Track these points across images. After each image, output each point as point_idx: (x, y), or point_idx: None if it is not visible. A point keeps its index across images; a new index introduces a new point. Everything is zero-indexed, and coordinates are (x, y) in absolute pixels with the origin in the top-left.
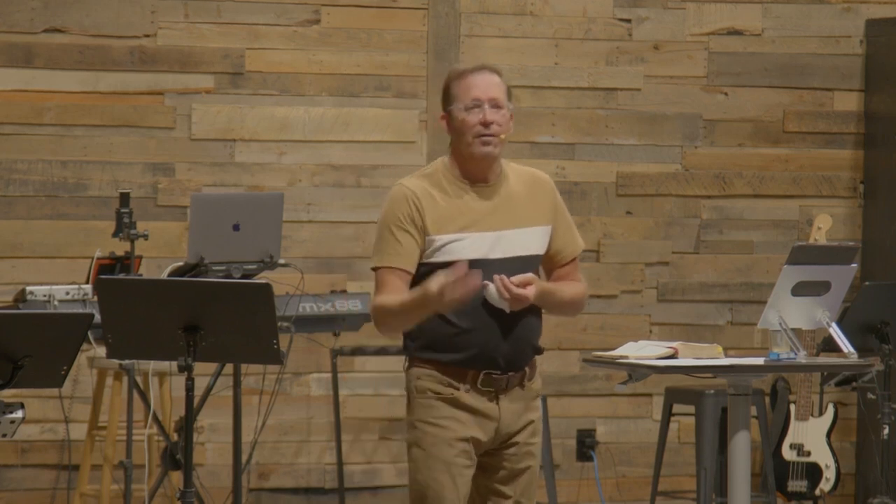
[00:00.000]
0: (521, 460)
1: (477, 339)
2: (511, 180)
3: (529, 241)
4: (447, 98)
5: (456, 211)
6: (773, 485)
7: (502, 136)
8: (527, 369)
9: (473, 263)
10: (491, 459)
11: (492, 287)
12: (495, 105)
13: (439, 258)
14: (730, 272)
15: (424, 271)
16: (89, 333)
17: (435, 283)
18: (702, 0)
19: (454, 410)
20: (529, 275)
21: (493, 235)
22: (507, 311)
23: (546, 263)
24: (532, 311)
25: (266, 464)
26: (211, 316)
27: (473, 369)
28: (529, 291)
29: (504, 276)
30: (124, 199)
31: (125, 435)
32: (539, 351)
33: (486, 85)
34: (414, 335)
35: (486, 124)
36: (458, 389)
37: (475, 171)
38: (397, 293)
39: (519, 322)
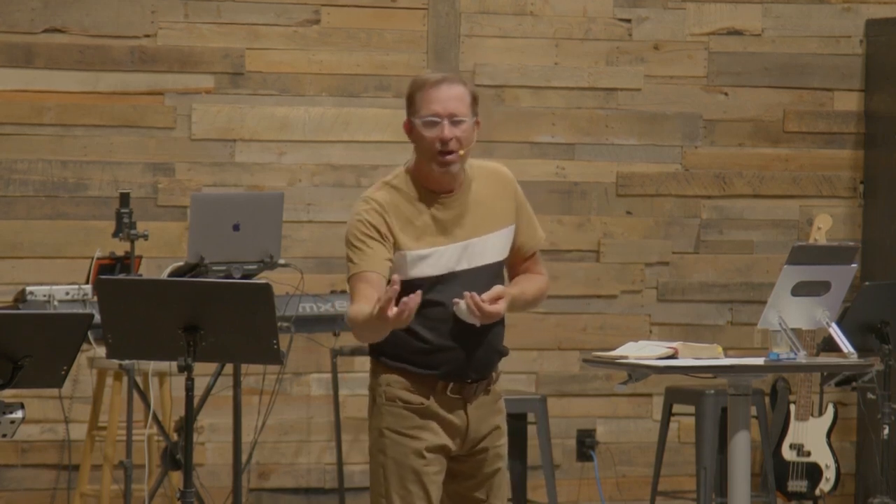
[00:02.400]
0: (491, 464)
1: (449, 355)
2: (474, 184)
3: (495, 246)
4: (410, 107)
5: (423, 225)
6: (773, 485)
7: (461, 152)
8: (493, 374)
9: (442, 278)
10: (461, 466)
11: (462, 305)
12: (454, 120)
13: (409, 275)
14: (730, 272)
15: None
16: (89, 333)
17: (376, 306)
18: (702, 0)
19: (424, 420)
20: (499, 288)
21: (460, 246)
22: (478, 325)
23: (509, 257)
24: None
25: (266, 464)
26: (211, 316)
27: (444, 381)
28: (500, 306)
29: (475, 294)
30: (124, 199)
31: (125, 435)
32: (504, 354)
33: (445, 98)
34: (384, 341)
35: (444, 141)
36: (427, 399)
37: (438, 184)
38: (367, 302)
39: (487, 332)
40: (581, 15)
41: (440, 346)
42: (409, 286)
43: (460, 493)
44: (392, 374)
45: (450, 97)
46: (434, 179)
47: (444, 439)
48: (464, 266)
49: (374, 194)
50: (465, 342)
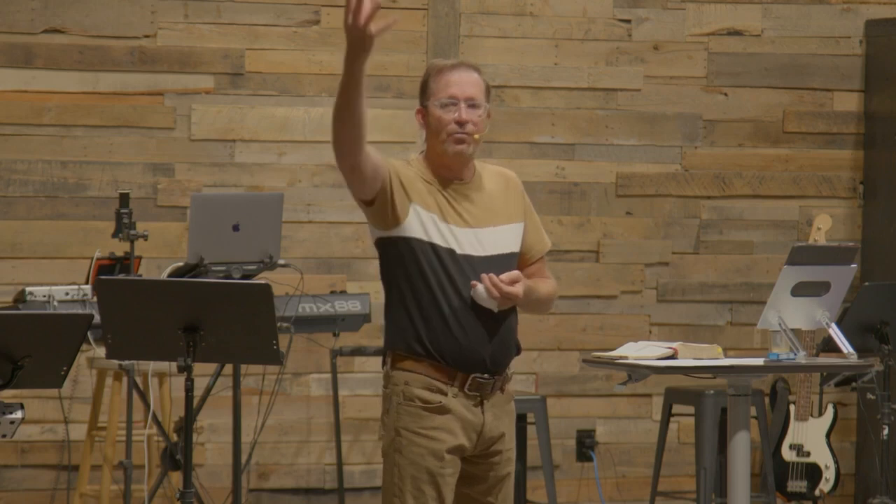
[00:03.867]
0: (504, 467)
1: (466, 340)
2: (484, 179)
3: (508, 238)
4: (424, 93)
5: (438, 204)
6: (773, 485)
7: (476, 136)
8: (507, 372)
9: (459, 263)
10: (474, 469)
11: (481, 287)
12: (472, 104)
13: (431, 238)
14: (729, 272)
15: (402, 245)
16: (89, 334)
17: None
18: (702, 0)
19: (442, 419)
20: (516, 272)
21: (473, 232)
22: (495, 310)
23: (518, 260)
24: (513, 310)
25: (266, 464)
26: (211, 316)
27: (462, 371)
28: (518, 289)
29: (493, 275)
30: (124, 199)
31: (125, 435)
32: (519, 349)
33: (463, 82)
34: (399, 335)
35: (460, 123)
36: (445, 395)
37: (449, 170)
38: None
39: (503, 322)
40: (581, 15)
41: (459, 335)
42: (433, 249)
43: (472, 497)
44: (410, 373)
45: (467, 81)
46: (446, 165)
47: (461, 439)
48: (479, 252)
49: (393, 161)
50: (481, 329)
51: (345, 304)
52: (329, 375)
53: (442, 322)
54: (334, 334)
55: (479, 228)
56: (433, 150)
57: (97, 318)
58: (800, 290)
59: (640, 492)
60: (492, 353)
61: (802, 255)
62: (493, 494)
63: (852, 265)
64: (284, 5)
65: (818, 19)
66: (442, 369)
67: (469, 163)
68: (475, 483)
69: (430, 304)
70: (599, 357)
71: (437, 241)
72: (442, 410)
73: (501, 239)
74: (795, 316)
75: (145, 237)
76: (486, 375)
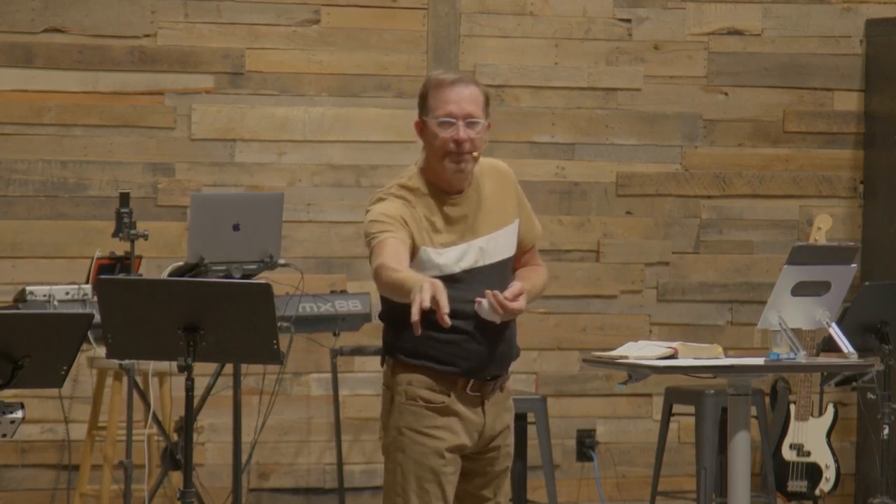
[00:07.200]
0: (502, 463)
1: (470, 349)
2: (481, 181)
3: (505, 242)
4: (423, 106)
5: (439, 225)
6: (773, 485)
7: (475, 154)
8: (507, 372)
9: (460, 276)
10: (472, 465)
11: (485, 303)
12: (470, 121)
13: (426, 273)
14: (729, 272)
15: None
16: (89, 333)
17: (426, 296)
18: (702, 0)
19: (444, 419)
20: (519, 285)
21: (474, 245)
22: (498, 322)
23: None
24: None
25: (266, 464)
26: (211, 316)
27: (465, 378)
28: (521, 303)
29: (497, 293)
30: (124, 199)
31: (125, 435)
32: (518, 351)
33: (462, 99)
34: (402, 339)
35: (458, 142)
36: (448, 396)
37: (448, 184)
38: (394, 261)
39: (505, 328)
40: (581, 15)
41: (461, 341)
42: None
43: (469, 492)
44: (412, 374)
45: (465, 98)
46: (445, 179)
47: (462, 438)
48: (479, 264)
49: (395, 191)
50: (485, 337)
51: (345, 303)
52: (329, 375)
53: (445, 332)
54: (334, 334)
55: (482, 238)
56: (431, 164)
57: (97, 318)
58: (800, 289)
59: (641, 492)
60: (496, 358)
61: (802, 255)
62: (490, 489)
63: (852, 265)
64: (284, 5)
65: (818, 19)
66: (445, 376)
67: (468, 176)
68: (473, 477)
69: (432, 316)
70: (599, 357)
71: (444, 272)
72: (445, 411)
73: (501, 245)
74: (795, 316)
75: (145, 237)
76: (488, 378)
